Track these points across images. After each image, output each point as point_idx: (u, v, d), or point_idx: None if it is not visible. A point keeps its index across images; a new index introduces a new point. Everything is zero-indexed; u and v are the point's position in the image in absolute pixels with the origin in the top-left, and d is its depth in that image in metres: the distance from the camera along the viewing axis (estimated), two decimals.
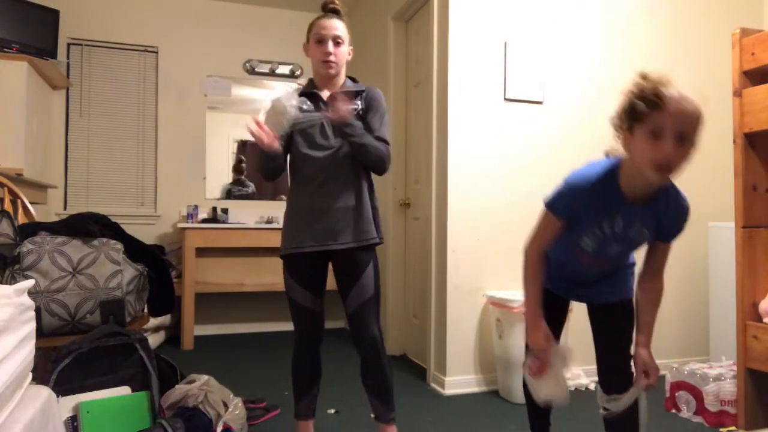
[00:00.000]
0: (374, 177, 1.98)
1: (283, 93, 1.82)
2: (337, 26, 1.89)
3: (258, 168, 1.98)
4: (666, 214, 1.40)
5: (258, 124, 1.77)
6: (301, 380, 2.01)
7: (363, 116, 1.90)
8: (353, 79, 2.02)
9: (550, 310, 1.56)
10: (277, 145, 1.81)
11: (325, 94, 1.93)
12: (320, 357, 2.01)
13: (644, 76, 1.26)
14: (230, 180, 4.51)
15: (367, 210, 1.90)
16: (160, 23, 4.36)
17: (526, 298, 1.53)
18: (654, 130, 1.22)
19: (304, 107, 1.88)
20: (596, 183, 1.37)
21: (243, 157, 4.52)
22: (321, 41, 1.88)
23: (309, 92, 1.93)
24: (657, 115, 1.22)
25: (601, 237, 1.43)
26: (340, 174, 1.86)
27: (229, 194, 4.49)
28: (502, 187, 2.99)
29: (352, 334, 1.94)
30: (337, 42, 1.88)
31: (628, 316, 1.58)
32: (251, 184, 4.56)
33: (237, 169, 4.52)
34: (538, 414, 1.87)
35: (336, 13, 1.94)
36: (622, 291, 1.61)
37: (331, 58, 1.87)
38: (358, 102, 1.91)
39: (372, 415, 2.09)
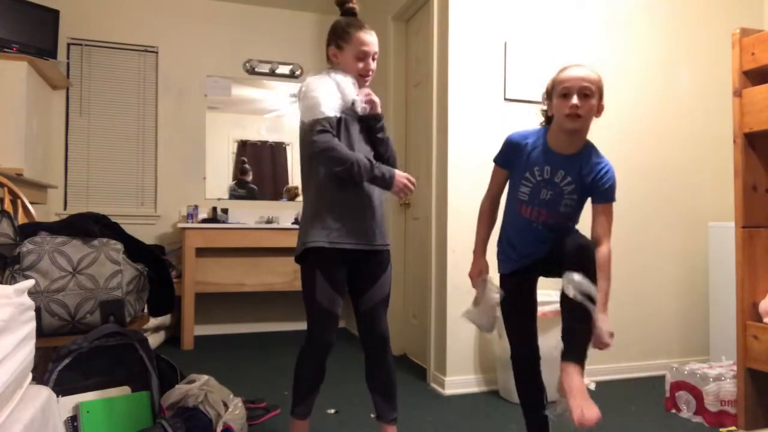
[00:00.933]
0: None
1: (343, 80, 1.84)
2: (376, 43, 1.92)
3: (328, 156, 1.77)
4: (590, 175, 1.71)
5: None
6: (307, 383, 1.97)
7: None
8: None
9: (520, 295, 1.86)
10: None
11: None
12: (326, 362, 1.97)
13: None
14: (233, 181, 4.51)
15: (384, 213, 1.98)
16: (160, 23, 4.36)
17: (476, 237, 1.91)
18: (563, 92, 1.67)
19: (360, 101, 1.85)
20: (528, 137, 1.78)
21: (245, 159, 4.52)
22: (362, 57, 1.88)
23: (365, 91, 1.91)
24: (562, 82, 1.68)
25: (534, 183, 1.74)
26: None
27: (232, 195, 4.49)
28: None
29: (362, 332, 1.94)
30: (374, 58, 1.92)
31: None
32: (254, 187, 4.56)
33: (241, 170, 4.52)
34: (535, 411, 1.94)
35: (354, 14, 1.96)
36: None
37: (371, 73, 1.91)
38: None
39: (372, 415, 2.09)
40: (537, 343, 1.89)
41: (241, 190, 4.52)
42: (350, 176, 1.77)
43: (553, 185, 1.72)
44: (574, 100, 1.63)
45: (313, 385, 1.98)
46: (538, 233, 1.77)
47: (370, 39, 1.89)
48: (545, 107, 1.78)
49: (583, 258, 1.61)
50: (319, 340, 1.87)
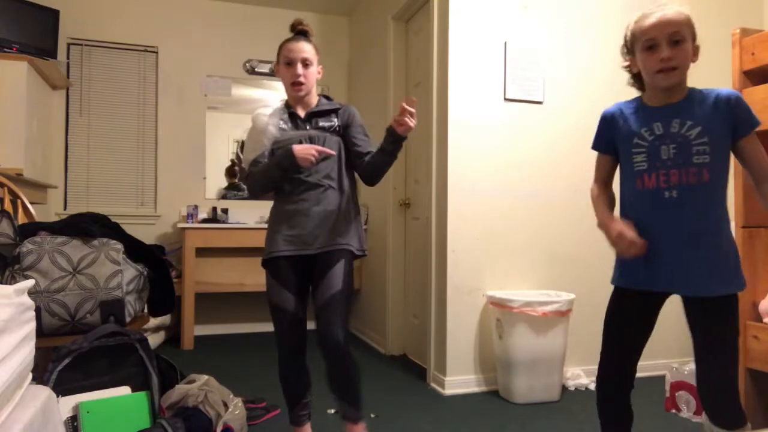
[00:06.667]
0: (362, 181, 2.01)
1: (262, 114, 1.92)
2: (305, 48, 1.94)
3: (253, 181, 1.95)
4: (715, 107, 1.42)
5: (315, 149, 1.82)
6: (291, 389, 1.97)
7: (341, 132, 1.97)
8: (327, 97, 2.07)
9: (632, 318, 1.52)
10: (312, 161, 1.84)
11: (300, 112, 1.98)
12: (307, 366, 1.97)
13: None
14: (225, 187, 4.49)
15: (344, 218, 1.92)
16: (160, 23, 4.36)
17: (597, 214, 1.55)
18: (647, 45, 1.43)
19: (281, 126, 1.93)
20: (623, 106, 1.55)
21: (236, 160, 4.52)
22: (290, 64, 1.93)
23: (287, 111, 1.98)
24: (645, 32, 1.43)
25: (647, 144, 1.47)
26: (325, 186, 1.90)
27: (224, 199, 4.47)
28: (502, 186, 3.00)
29: (317, 335, 1.84)
30: (305, 64, 1.93)
31: (731, 318, 1.41)
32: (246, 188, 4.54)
33: (230, 172, 4.51)
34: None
35: (304, 34, 1.99)
36: (722, 279, 1.40)
37: (301, 79, 1.92)
38: (335, 119, 1.97)
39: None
40: (634, 370, 1.57)
41: (240, 192, 4.50)
42: (274, 183, 1.91)
43: (673, 137, 1.43)
44: (665, 52, 1.40)
45: (297, 391, 1.96)
46: (673, 207, 1.42)
47: (294, 45, 1.94)
48: (627, 63, 1.54)
49: (722, 405, 1.42)
50: (281, 342, 1.91)
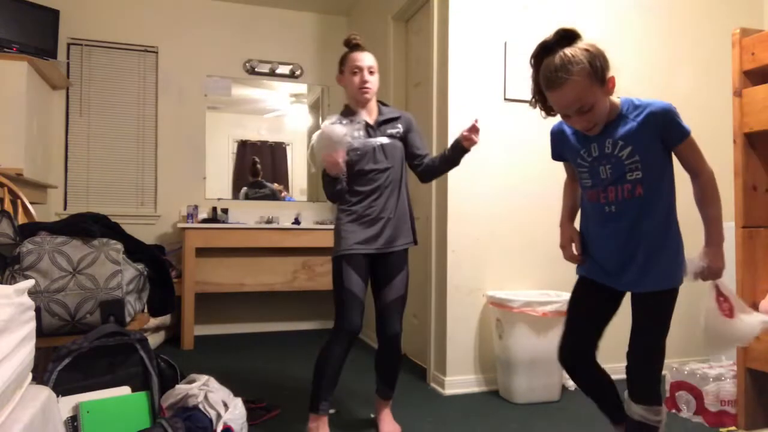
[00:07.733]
0: None
1: (337, 125, 2.03)
2: (370, 58, 2.19)
3: (326, 192, 2.18)
4: (642, 126, 1.51)
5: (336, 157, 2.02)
6: (329, 373, 2.10)
7: (403, 137, 2.24)
8: (384, 103, 2.29)
9: (594, 300, 1.71)
10: (343, 169, 2.07)
11: (364, 116, 2.17)
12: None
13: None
14: (232, 181, 4.52)
15: (405, 217, 2.24)
16: (160, 23, 4.36)
17: (562, 209, 1.84)
18: (561, 114, 1.54)
19: (356, 135, 2.09)
20: (563, 125, 1.66)
21: (257, 158, 4.55)
22: (357, 72, 2.16)
23: (358, 120, 2.17)
24: (554, 105, 1.53)
25: (588, 165, 1.61)
26: (393, 189, 2.19)
27: (247, 197, 4.53)
28: (502, 186, 2.99)
29: (377, 326, 2.24)
30: (371, 72, 2.18)
31: (657, 311, 1.61)
32: (268, 185, 4.58)
33: (253, 171, 4.55)
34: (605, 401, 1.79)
35: (360, 47, 2.20)
36: (654, 279, 1.56)
37: (368, 85, 2.16)
38: (399, 125, 2.23)
39: (372, 415, 2.09)
40: (592, 346, 1.74)
41: (262, 190, 4.54)
42: (338, 190, 2.13)
43: (608, 157, 1.55)
44: (578, 124, 1.53)
45: (332, 378, 2.12)
46: (613, 219, 1.58)
47: (360, 56, 2.18)
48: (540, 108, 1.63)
49: (640, 385, 1.62)
50: (344, 324, 2.10)
